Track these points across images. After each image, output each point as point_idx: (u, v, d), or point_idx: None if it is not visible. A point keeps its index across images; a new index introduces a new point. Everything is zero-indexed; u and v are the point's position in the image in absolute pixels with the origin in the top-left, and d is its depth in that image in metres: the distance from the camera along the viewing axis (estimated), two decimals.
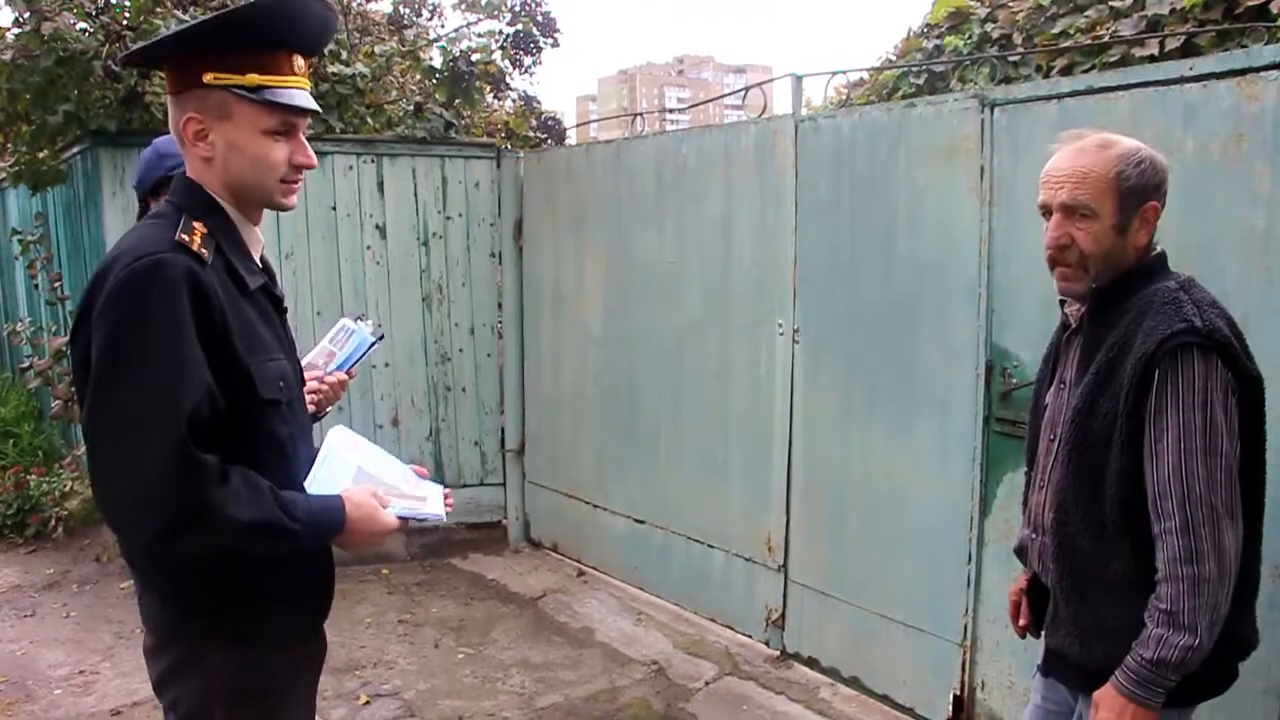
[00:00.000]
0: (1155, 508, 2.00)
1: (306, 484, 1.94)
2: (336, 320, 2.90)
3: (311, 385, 2.87)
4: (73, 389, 5.96)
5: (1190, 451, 1.96)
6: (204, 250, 1.82)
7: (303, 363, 3.02)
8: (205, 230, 1.85)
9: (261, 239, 2.04)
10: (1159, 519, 2.00)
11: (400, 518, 2.04)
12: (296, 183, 1.98)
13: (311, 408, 2.89)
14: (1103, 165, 2.11)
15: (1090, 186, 2.11)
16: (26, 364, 6.83)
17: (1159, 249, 2.19)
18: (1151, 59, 4.22)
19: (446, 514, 2.21)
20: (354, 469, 2.10)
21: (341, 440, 2.14)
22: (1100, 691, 2.06)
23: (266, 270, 2.06)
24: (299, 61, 1.94)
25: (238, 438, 1.81)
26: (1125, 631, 2.05)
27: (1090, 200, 2.11)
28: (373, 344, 2.91)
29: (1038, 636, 2.42)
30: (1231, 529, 1.98)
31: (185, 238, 1.80)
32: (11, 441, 7.60)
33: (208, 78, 1.83)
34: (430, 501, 2.22)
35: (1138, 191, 2.10)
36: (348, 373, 2.91)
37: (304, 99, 1.93)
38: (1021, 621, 2.49)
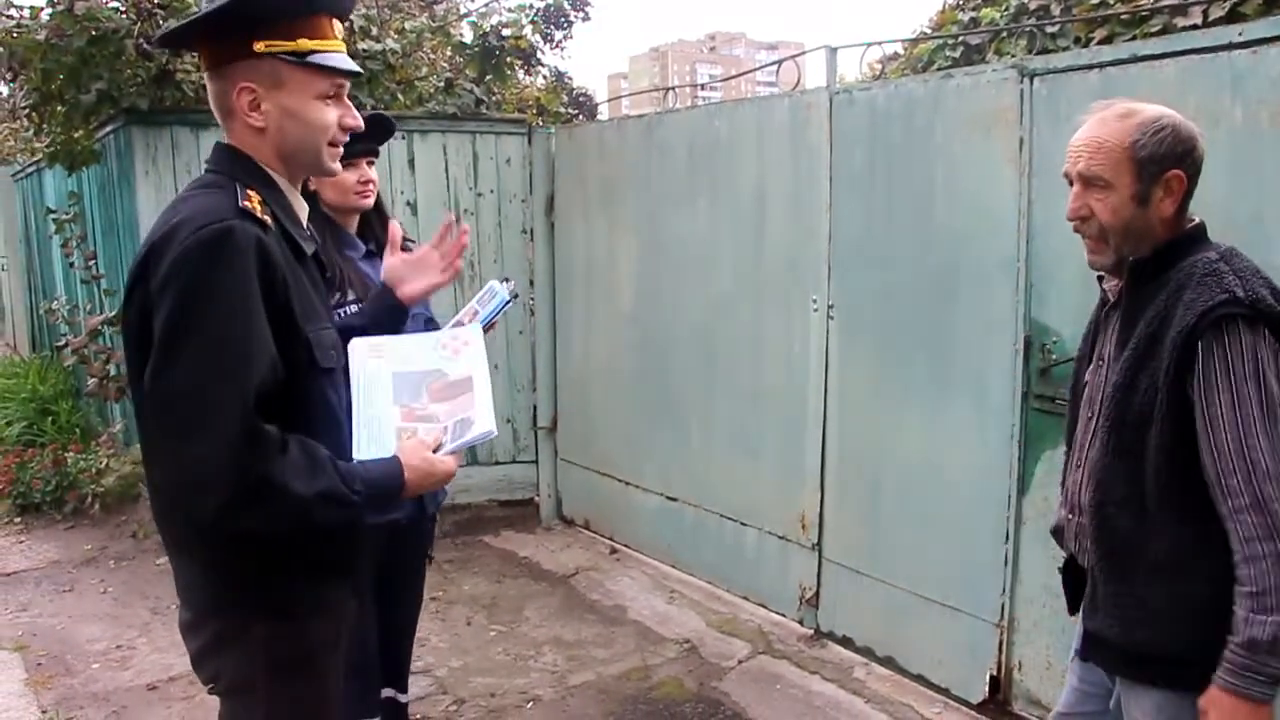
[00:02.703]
0: (1219, 486, 1.92)
1: (354, 438, 1.94)
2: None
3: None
4: (107, 367, 6.01)
5: (1249, 424, 1.89)
6: (266, 216, 1.83)
7: (450, 321, 3.24)
8: (260, 198, 1.85)
9: (305, 206, 2.05)
10: (1225, 497, 1.91)
11: (454, 452, 2.05)
12: (340, 145, 2.00)
13: None
14: (1118, 135, 2.04)
15: (1105, 157, 2.04)
16: (63, 342, 6.89)
17: (1197, 220, 2.11)
18: (1194, 28, 4.12)
19: (494, 424, 2.16)
20: (389, 378, 2.10)
21: (364, 353, 2.12)
22: (1206, 695, 1.94)
23: (313, 237, 2.06)
24: (337, 24, 1.95)
25: (294, 406, 1.81)
26: (1167, 614, 2.00)
27: (1104, 171, 2.05)
28: (508, 302, 3.22)
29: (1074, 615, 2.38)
30: None
31: (248, 205, 1.80)
32: (50, 419, 7.68)
33: (259, 46, 1.83)
34: (479, 405, 2.16)
35: (1156, 160, 2.02)
36: (485, 328, 3.14)
37: (348, 62, 1.95)
38: None
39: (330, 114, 1.93)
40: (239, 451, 1.67)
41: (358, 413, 1.99)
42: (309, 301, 1.90)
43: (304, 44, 1.86)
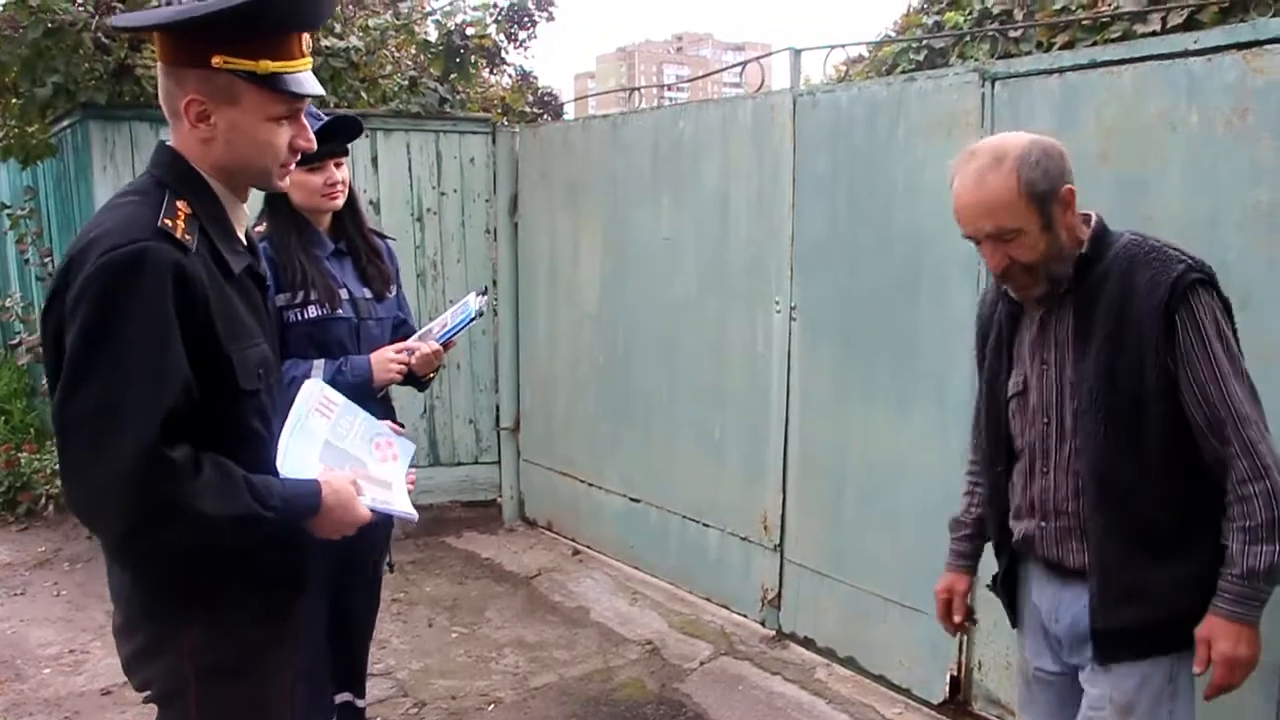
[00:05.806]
0: (1210, 436, 2.05)
1: (278, 461, 1.88)
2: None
3: (401, 357, 3.10)
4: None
5: (1225, 376, 2.03)
6: (188, 236, 1.74)
7: (420, 330, 3.26)
8: (189, 211, 1.78)
9: (246, 214, 1.97)
10: (1216, 445, 2.05)
11: (371, 510, 2.01)
12: (291, 165, 1.93)
13: (398, 377, 3.08)
14: (1005, 185, 2.10)
15: (1005, 211, 2.11)
16: (17, 340, 6.78)
17: (1092, 214, 2.22)
18: (1154, 35, 4.17)
19: (413, 508, 2.23)
20: (320, 443, 2.07)
21: (311, 403, 2.08)
22: (1205, 626, 2.07)
23: (251, 248, 1.99)
24: (306, 40, 1.87)
25: (212, 424, 1.75)
26: (1168, 585, 2.09)
27: (1010, 222, 2.12)
28: (473, 318, 3.22)
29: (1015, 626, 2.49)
30: (1273, 440, 2.07)
31: (169, 223, 1.72)
32: (3, 419, 7.56)
33: (216, 61, 1.73)
34: (397, 497, 2.23)
35: (1048, 191, 2.11)
36: (444, 344, 3.18)
37: (313, 84, 1.87)
38: (956, 619, 2.61)
39: (282, 136, 1.85)
40: (141, 477, 1.63)
41: (284, 443, 1.93)
42: (236, 320, 1.82)
43: (266, 65, 1.76)
